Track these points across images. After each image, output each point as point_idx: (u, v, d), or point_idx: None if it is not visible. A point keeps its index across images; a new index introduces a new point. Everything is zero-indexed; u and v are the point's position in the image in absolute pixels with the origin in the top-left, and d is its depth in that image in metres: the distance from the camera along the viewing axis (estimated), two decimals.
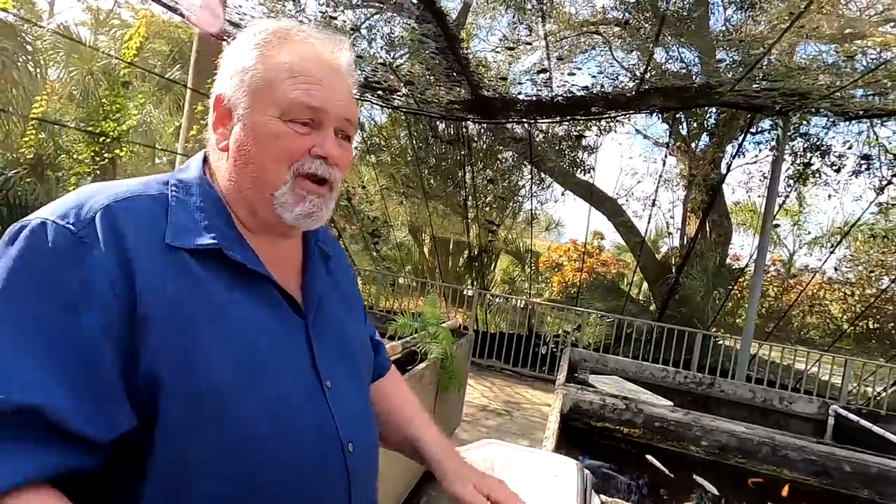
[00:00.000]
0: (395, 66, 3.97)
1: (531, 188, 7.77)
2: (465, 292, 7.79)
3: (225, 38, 4.88)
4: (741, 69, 3.71)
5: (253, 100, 0.67)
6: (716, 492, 1.75)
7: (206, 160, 0.73)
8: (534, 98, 4.19)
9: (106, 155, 5.33)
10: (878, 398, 5.62)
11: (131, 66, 6.60)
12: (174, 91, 11.31)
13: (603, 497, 1.30)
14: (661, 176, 6.85)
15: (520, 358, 6.35)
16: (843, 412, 2.73)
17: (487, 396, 5.37)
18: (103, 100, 5.59)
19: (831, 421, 2.79)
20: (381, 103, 5.30)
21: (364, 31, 4.21)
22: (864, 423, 2.61)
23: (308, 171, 0.68)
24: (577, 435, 2.20)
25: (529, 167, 7.46)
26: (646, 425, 2.16)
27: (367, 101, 5.33)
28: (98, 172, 5.31)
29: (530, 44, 3.49)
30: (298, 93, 0.66)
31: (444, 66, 3.51)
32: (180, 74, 11.40)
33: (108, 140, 5.27)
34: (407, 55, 3.78)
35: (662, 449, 2.13)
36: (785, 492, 1.86)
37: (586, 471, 1.39)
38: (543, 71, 3.48)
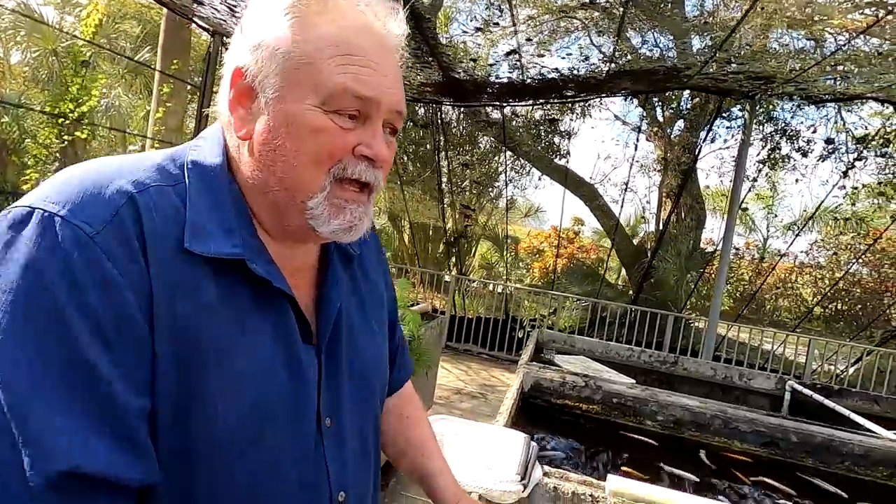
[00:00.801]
0: None
1: (507, 173, 7.78)
2: (443, 277, 7.80)
3: (190, 16, 4.74)
4: (712, 52, 3.73)
5: (287, 81, 0.54)
6: (695, 479, 1.76)
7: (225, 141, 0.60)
8: (506, 81, 4.17)
9: (66, 137, 5.16)
10: (842, 376, 5.82)
11: (92, 46, 6.38)
12: (145, 74, 10.99)
13: (546, 468, 1.32)
14: (634, 160, 6.91)
15: (496, 342, 6.41)
16: (798, 387, 2.81)
17: (463, 380, 5.41)
18: (68, 81, 5.41)
19: (787, 396, 2.87)
20: None
21: None
22: (816, 397, 2.69)
23: (351, 177, 0.57)
24: (537, 412, 2.23)
25: (506, 152, 7.46)
26: (604, 402, 2.20)
27: None
28: (58, 155, 5.17)
29: (498, 23, 3.45)
30: (347, 77, 0.54)
31: (412, 47, 3.46)
32: (150, 56, 11.07)
33: (68, 122, 5.11)
34: None
35: (621, 424, 2.18)
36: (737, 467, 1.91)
37: (533, 443, 1.41)
38: (513, 52, 3.46)
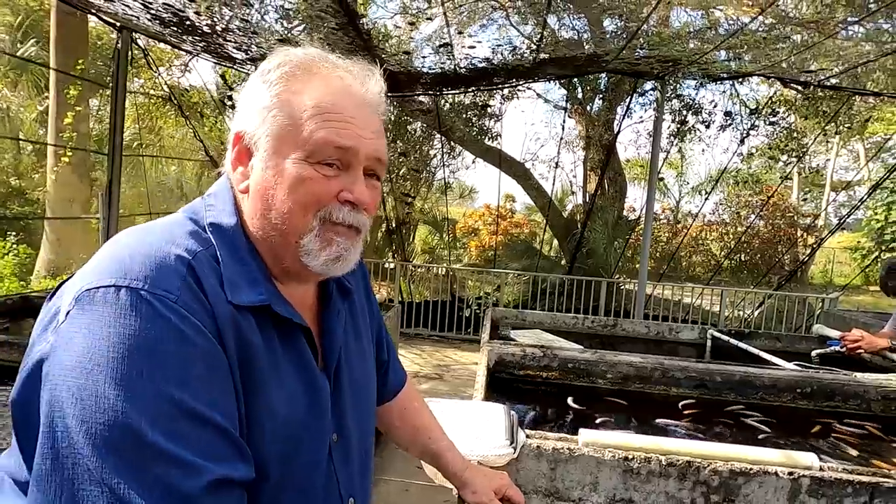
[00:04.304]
0: (294, 40, 3.84)
1: (442, 158, 7.93)
2: (386, 265, 7.87)
3: (91, 11, 4.38)
4: (624, 37, 4.06)
5: (275, 140, 0.63)
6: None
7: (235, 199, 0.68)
8: (438, 71, 4.27)
9: None
10: (748, 319, 6.63)
11: None
12: (32, 70, 9.88)
13: (528, 431, 1.50)
14: (561, 138, 7.32)
15: (445, 323, 6.62)
16: (717, 334, 3.24)
17: (418, 363, 5.57)
18: None
19: (709, 343, 3.30)
20: None
21: (255, 2, 4.00)
22: (732, 341, 3.13)
23: (336, 220, 0.65)
24: (503, 385, 2.44)
25: (439, 137, 7.59)
26: (561, 367, 2.44)
27: None
28: None
29: (429, 9, 3.52)
30: (326, 132, 0.62)
31: (346, 42, 3.47)
32: (36, 51, 9.97)
33: None
34: (303, 27, 3.66)
35: (577, 386, 2.44)
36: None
37: (513, 412, 1.60)
38: (445, 45, 3.56)
